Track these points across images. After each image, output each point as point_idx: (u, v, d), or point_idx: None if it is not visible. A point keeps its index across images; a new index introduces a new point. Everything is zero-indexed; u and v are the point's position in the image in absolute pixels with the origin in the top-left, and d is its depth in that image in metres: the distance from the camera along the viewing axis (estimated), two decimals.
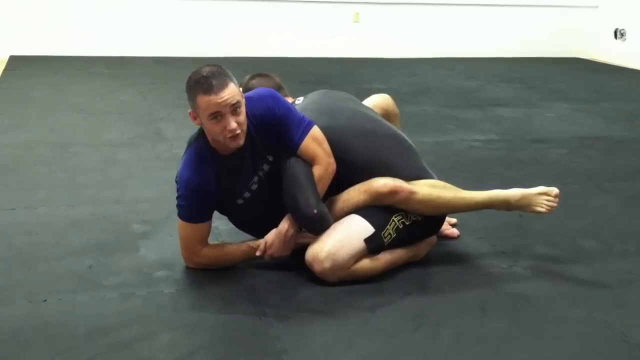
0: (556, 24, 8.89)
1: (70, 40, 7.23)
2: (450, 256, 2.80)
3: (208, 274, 2.53)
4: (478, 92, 6.44)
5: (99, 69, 6.63)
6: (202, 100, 2.31)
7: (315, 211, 2.43)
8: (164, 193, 3.29)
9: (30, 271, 2.52)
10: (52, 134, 4.35)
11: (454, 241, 2.92)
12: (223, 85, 2.30)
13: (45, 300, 2.31)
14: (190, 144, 2.50)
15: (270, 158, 2.52)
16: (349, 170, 2.58)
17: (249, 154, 2.47)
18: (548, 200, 2.62)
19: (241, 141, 2.39)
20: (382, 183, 2.52)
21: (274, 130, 2.47)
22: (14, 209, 3.10)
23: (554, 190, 2.64)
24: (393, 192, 2.51)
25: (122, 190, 3.39)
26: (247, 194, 2.52)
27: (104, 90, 5.72)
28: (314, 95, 2.82)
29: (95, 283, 2.44)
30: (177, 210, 2.51)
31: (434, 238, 2.75)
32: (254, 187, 2.52)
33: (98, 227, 2.92)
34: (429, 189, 2.57)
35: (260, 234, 2.56)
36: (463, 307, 2.38)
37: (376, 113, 2.84)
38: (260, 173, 2.52)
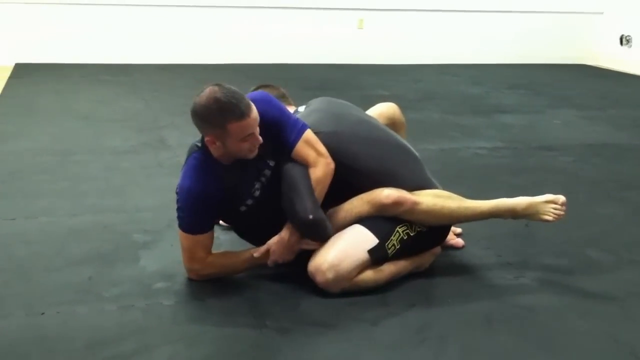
0: (562, 30, 8.85)
1: (75, 48, 7.23)
2: (455, 267, 2.76)
3: (209, 285, 2.50)
4: (483, 99, 6.40)
5: (103, 76, 6.62)
6: (236, 126, 2.29)
7: (311, 216, 2.39)
8: (166, 202, 3.25)
9: (29, 282, 2.49)
10: (55, 141, 4.33)
11: (459, 251, 2.88)
12: (250, 106, 2.31)
13: (44, 312, 2.28)
14: (190, 154, 2.47)
15: (272, 163, 2.51)
16: (353, 178, 2.55)
17: (250, 160, 2.45)
18: (555, 209, 2.58)
19: (256, 151, 2.40)
20: (386, 194, 2.49)
21: (269, 133, 2.44)
22: (14, 219, 3.07)
23: (561, 198, 2.60)
24: (397, 203, 2.48)
25: (124, 199, 3.36)
26: (250, 201, 2.50)
27: (108, 98, 5.70)
28: (316, 103, 2.79)
29: (95, 294, 2.41)
30: (177, 222, 2.47)
31: (438, 248, 2.72)
32: (257, 193, 2.50)
33: (99, 237, 2.90)
34: (433, 199, 2.54)
35: (264, 241, 2.53)
36: (468, 320, 2.34)
37: (380, 122, 2.80)
38: (263, 179, 2.50)
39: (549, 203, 2.59)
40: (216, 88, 2.32)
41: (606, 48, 8.88)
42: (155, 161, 4.00)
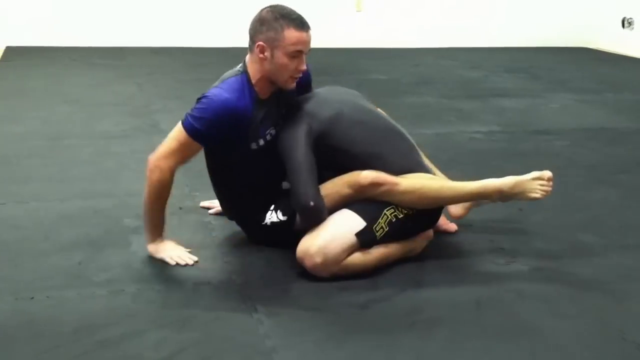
0: (563, 13, 8.77)
1: (67, 31, 7.17)
2: (447, 251, 2.74)
3: (200, 271, 2.49)
4: (481, 83, 6.37)
5: (95, 59, 6.56)
6: (293, 34, 2.40)
7: (312, 203, 2.42)
8: None
9: (17, 267, 2.47)
10: (46, 126, 4.30)
11: (452, 236, 2.87)
12: (309, 28, 2.45)
13: (33, 297, 2.27)
14: (230, 76, 2.51)
15: (283, 111, 2.60)
16: (347, 162, 2.55)
17: (277, 103, 2.55)
18: (542, 185, 2.56)
19: (294, 84, 2.53)
20: (364, 175, 2.49)
21: (305, 85, 2.66)
22: (4, 203, 3.05)
23: (547, 173, 2.58)
24: (374, 184, 2.47)
25: (115, 184, 3.35)
26: (262, 142, 2.54)
27: (100, 81, 5.66)
28: (317, 90, 2.77)
29: (84, 279, 2.40)
30: (185, 118, 2.45)
31: (430, 232, 2.69)
32: (269, 137, 2.55)
33: (89, 221, 2.88)
34: (414, 180, 2.52)
35: (261, 194, 2.60)
36: (458, 304, 2.33)
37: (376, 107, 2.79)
38: (277, 126, 2.57)
39: (535, 180, 2.57)
40: (284, 5, 2.47)
41: (608, 31, 8.77)
42: (148, 146, 3.91)
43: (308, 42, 2.44)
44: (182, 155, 2.47)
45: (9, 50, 6.80)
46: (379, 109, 2.85)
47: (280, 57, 2.42)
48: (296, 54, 2.42)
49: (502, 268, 2.62)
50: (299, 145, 2.47)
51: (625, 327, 2.22)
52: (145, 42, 7.35)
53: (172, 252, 2.54)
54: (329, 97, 2.67)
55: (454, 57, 7.74)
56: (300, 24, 2.41)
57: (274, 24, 2.40)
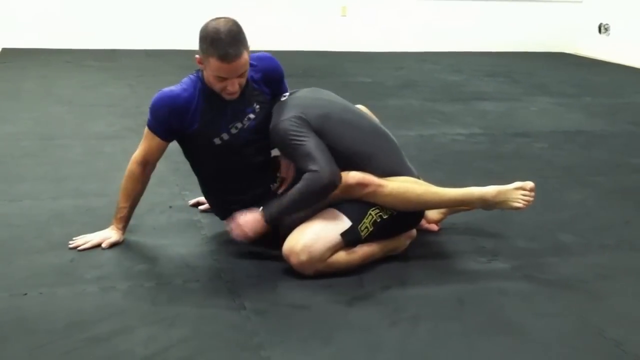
0: (541, 19, 8.91)
1: (61, 33, 7.21)
2: (430, 250, 2.81)
3: (189, 268, 2.55)
4: (463, 86, 6.46)
5: (88, 61, 6.62)
6: (214, 63, 2.41)
7: (337, 182, 2.49)
8: (147, 186, 3.29)
9: (11, 264, 2.52)
10: (39, 126, 4.35)
11: (435, 235, 2.94)
12: (237, 55, 2.39)
13: (26, 293, 2.32)
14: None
15: (257, 107, 2.62)
16: (336, 160, 2.57)
17: (240, 98, 2.56)
18: (524, 195, 2.64)
19: (235, 96, 2.52)
20: (351, 176, 2.54)
21: (268, 85, 2.67)
22: None
23: (529, 184, 2.65)
24: (361, 185, 2.53)
25: (107, 183, 3.37)
26: (225, 136, 2.58)
27: (93, 83, 5.72)
28: (302, 91, 2.82)
29: (76, 276, 2.45)
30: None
31: (413, 231, 2.76)
32: (234, 131, 2.58)
33: (81, 220, 2.92)
34: (399, 183, 2.58)
35: (231, 192, 2.65)
36: (441, 302, 2.40)
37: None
38: (245, 121, 2.60)
39: (517, 190, 2.64)
40: (231, 22, 2.44)
41: (585, 36, 8.94)
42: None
43: (232, 70, 2.41)
44: (146, 147, 2.63)
45: (3, 52, 6.85)
46: (367, 110, 2.92)
47: (209, 76, 2.48)
48: (220, 79, 2.45)
49: (484, 266, 2.69)
50: (303, 133, 2.51)
51: (604, 325, 2.30)
52: (137, 44, 7.42)
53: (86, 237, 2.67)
54: (316, 97, 2.73)
55: (436, 61, 7.84)
56: (224, 55, 2.37)
57: (204, 46, 2.42)
